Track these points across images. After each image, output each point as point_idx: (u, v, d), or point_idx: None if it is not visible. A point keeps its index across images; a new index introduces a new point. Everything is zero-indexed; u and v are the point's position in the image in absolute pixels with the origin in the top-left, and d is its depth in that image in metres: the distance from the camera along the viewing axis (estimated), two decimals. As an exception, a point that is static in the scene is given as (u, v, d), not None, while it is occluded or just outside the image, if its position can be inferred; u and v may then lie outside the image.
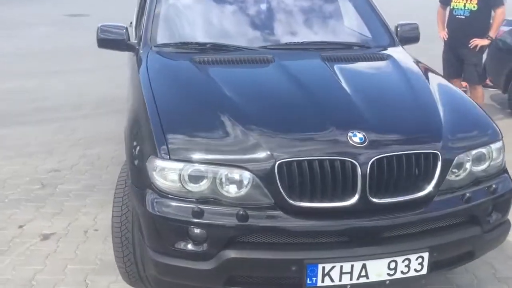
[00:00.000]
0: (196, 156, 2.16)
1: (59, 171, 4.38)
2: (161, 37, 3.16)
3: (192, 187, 2.15)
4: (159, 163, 2.18)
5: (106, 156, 4.69)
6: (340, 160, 2.10)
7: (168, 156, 2.16)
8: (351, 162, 2.10)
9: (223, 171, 2.12)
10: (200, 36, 3.22)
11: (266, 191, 2.09)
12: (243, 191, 2.11)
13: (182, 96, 2.54)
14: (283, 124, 2.28)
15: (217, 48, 3.08)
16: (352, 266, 2.08)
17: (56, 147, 4.93)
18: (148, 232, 2.23)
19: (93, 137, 5.19)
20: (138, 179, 2.29)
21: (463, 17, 5.34)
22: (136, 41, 3.29)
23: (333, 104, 2.40)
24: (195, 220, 2.11)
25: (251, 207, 2.10)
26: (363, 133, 2.17)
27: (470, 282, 2.84)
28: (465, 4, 5.33)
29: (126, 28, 3.26)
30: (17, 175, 4.26)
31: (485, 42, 5.30)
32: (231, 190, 2.12)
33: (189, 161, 2.15)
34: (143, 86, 2.65)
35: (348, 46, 3.20)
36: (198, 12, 3.34)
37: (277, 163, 2.08)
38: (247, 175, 2.10)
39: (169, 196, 2.17)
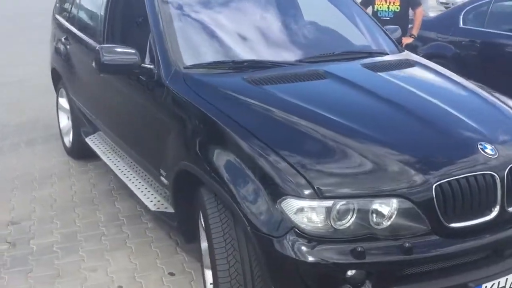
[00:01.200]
0: (344, 190, 1.94)
1: (18, 223, 3.62)
2: (188, 58, 2.76)
3: (339, 224, 1.93)
4: (301, 203, 1.91)
5: (64, 194, 4.03)
6: (483, 174, 2.07)
7: (313, 195, 1.91)
8: (491, 174, 2.08)
9: (373, 203, 1.94)
10: (230, 53, 2.88)
11: (423, 216, 1.96)
12: (396, 220, 1.95)
13: (279, 124, 2.27)
14: (416, 144, 2.16)
15: (254, 65, 2.80)
16: (506, 280, 2.07)
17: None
18: (292, 284, 1.95)
19: (29, 174, 4.41)
20: (265, 225, 1.98)
21: (388, 18, 5.69)
22: (149, 65, 2.82)
23: (440, 118, 2.34)
24: (357, 261, 1.88)
25: (406, 236, 1.96)
26: (489, 143, 2.17)
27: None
28: (388, 6, 5.71)
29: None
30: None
31: (410, 40, 5.72)
32: (384, 222, 1.95)
33: (338, 197, 1.92)
34: (220, 120, 2.32)
35: (369, 53, 3.17)
36: (218, 25, 2.98)
37: (435, 185, 1.97)
38: (400, 203, 1.94)
39: (319, 238, 1.92)
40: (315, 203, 1.92)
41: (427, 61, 3.19)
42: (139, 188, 3.23)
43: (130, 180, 3.36)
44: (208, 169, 2.25)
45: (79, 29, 4.08)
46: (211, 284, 2.59)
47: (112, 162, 3.69)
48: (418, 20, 5.76)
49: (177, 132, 2.58)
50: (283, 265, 1.95)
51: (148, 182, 3.27)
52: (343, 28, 3.33)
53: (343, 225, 1.93)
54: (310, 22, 3.30)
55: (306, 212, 1.92)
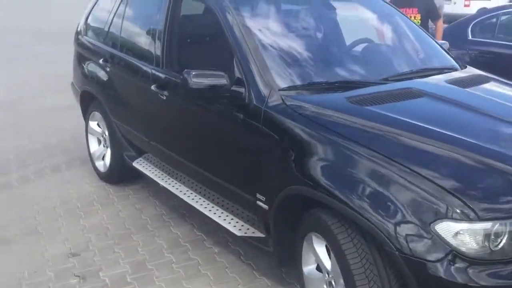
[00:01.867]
0: (501, 212, 1.96)
1: (78, 254, 3.47)
2: (281, 80, 2.76)
3: (494, 245, 1.94)
4: (461, 226, 1.92)
5: (115, 221, 3.90)
6: None
7: (473, 217, 1.92)
8: None
9: None
10: (317, 73, 2.89)
11: None
12: None
13: (406, 144, 2.28)
14: None
15: (345, 85, 2.81)
16: None
17: (35, 223, 3.90)
18: None
19: (69, 202, 4.24)
20: (417, 249, 1.97)
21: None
22: (239, 88, 2.78)
23: None
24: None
25: None
26: None
27: None
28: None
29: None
30: (32, 270, 3.26)
31: None
32: None
33: (496, 218, 1.94)
34: (362, 150, 2.25)
35: (441, 69, 3.22)
36: (296, 42, 2.98)
37: None
38: None
39: (477, 261, 1.92)
40: (476, 225, 1.92)
41: (493, 75, 3.27)
42: (214, 213, 3.17)
43: (200, 204, 3.29)
44: (336, 194, 2.22)
45: (125, 51, 3.97)
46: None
47: (172, 185, 3.60)
48: (440, 32, 5.91)
49: (280, 155, 2.54)
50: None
51: (223, 206, 3.22)
52: (412, 46, 3.38)
53: (497, 246, 1.94)
54: (390, 39, 3.36)
55: (465, 234, 1.92)
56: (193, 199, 3.38)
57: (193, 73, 2.76)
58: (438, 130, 2.35)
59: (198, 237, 3.65)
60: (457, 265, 1.92)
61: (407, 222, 2.00)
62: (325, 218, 2.31)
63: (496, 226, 1.93)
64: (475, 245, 1.93)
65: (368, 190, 2.14)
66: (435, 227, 1.95)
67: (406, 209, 2.01)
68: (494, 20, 6.23)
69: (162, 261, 3.37)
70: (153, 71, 3.55)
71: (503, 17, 6.16)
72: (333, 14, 3.49)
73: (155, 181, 3.79)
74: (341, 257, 2.21)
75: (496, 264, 1.94)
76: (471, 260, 1.93)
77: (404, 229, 1.99)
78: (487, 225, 1.92)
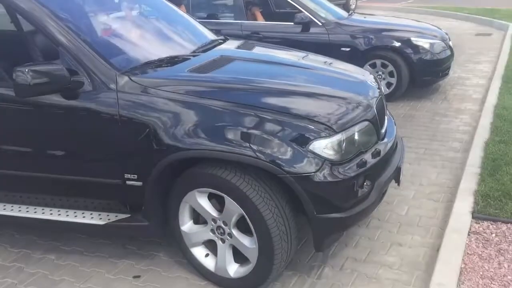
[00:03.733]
0: (342, 125, 2.70)
1: None
2: (120, 63, 2.93)
3: (342, 150, 2.68)
4: (326, 141, 2.62)
5: None
6: None
7: (332, 133, 2.65)
8: None
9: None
10: (144, 53, 3.09)
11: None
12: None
13: (270, 96, 2.86)
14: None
15: (171, 61, 3.17)
16: None
17: None
18: (330, 201, 2.63)
19: None
20: (304, 166, 2.54)
21: None
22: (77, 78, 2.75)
23: None
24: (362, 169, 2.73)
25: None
26: None
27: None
28: None
29: None
30: None
31: None
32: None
33: (341, 130, 2.67)
34: (226, 104, 2.74)
35: (217, 41, 3.84)
36: (119, 30, 3.04)
37: None
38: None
39: (338, 163, 2.64)
40: (334, 138, 2.62)
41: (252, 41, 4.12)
42: (66, 215, 3.05)
43: (41, 213, 3.08)
44: (224, 146, 2.59)
45: None
46: (206, 256, 2.94)
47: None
48: None
49: (149, 131, 2.70)
50: (324, 191, 2.59)
51: (62, 206, 3.11)
52: (186, 28, 3.87)
53: (343, 150, 2.70)
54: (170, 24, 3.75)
55: (329, 146, 2.61)
56: (26, 211, 3.11)
57: (29, 69, 2.60)
58: (268, 79, 3.00)
59: (17, 252, 3.35)
60: (330, 169, 2.60)
61: (290, 150, 2.57)
62: (214, 171, 2.66)
63: (342, 136, 2.70)
64: (334, 152, 2.65)
65: (250, 135, 2.60)
66: (310, 147, 2.59)
67: (286, 140, 2.59)
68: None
69: (2, 287, 3.02)
70: None
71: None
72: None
73: None
74: (239, 197, 2.62)
75: (346, 163, 2.72)
76: (335, 164, 2.65)
77: (289, 156, 2.56)
78: (339, 136, 2.67)
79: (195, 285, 2.97)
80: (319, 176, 2.58)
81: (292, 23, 6.66)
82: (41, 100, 2.83)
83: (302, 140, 2.60)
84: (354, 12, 8.19)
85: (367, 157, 2.78)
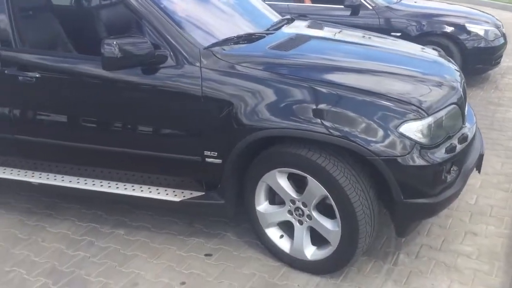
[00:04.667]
0: (432, 108, 2.62)
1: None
2: (202, 39, 2.91)
3: (431, 133, 2.57)
4: (417, 123, 2.54)
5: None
6: None
7: (424, 115, 2.56)
8: None
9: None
10: (223, 30, 3.09)
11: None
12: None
13: (359, 76, 2.81)
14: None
15: (248, 38, 3.15)
16: None
17: None
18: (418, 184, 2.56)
19: None
20: (394, 148, 2.48)
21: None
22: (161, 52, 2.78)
23: None
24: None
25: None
26: None
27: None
28: None
29: None
30: None
31: None
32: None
33: (432, 113, 2.58)
34: (314, 83, 2.70)
35: (286, 21, 3.77)
36: (198, 8, 3.02)
37: None
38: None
39: (428, 147, 2.55)
40: (425, 121, 2.54)
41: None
42: (141, 190, 3.05)
43: (116, 187, 3.09)
44: (313, 126, 2.53)
45: None
46: (281, 237, 2.91)
47: (55, 179, 3.21)
48: None
49: (234, 108, 2.66)
50: (413, 175, 2.52)
51: (135, 181, 3.10)
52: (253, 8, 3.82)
53: (431, 133, 2.60)
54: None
55: (420, 129, 2.53)
56: (100, 185, 3.13)
57: (117, 42, 2.58)
58: (352, 59, 2.95)
59: (86, 226, 3.37)
60: (419, 153, 2.53)
61: (380, 132, 2.50)
62: (298, 151, 2.61)
63: (433, 119, 2.62)
64: (424, 135, 2.58)
65: (338, 116, 2.54)
66: (400, 129, 2.52)
67: (376, 122, 2.52)
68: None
69: (76, 260, 3.04)
70: (4, 53, 3.03)
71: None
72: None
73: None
74: (324, 179, 2.56)
75: (434, 147, 2.64)
76: (425, 147, 2.58)
77: (379, 138, 2.50)
78: (429, 119, 2.59)
79: (268, 265, 2.94)
80: (409, 160, 2.51)
81: (340, 6, 6.55)
82: (123, 74, 2.82)
83: (393, 122, 2.53)
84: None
85: (455, 142, 2.70)
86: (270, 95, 2.65)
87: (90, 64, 2.92)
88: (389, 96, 2.58)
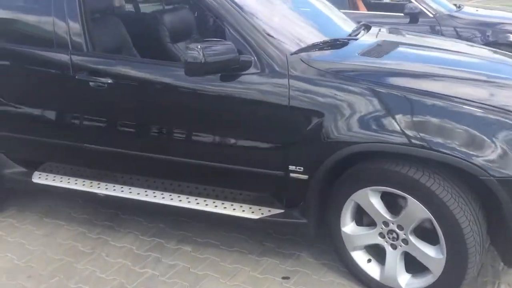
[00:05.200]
0: None
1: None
2: (289, 44, 2.73)
3: None
4: None
5: (37, 257, 3.00)
6: None
7: None
8: None
9: None
10: (307, 35, 2.87)
11: None
12: None
13: (465, 87, 2.56)
14: None
15: (332, 44, 2.94)
16: None
17: None
18: None
19: None
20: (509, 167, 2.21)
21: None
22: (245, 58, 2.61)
23: None
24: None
25: None
26: None
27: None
28: None
29: None
30: None
31: None
32: None
33: None
34: (421, 95, 2.46)
35: (365, 28, 3.51)
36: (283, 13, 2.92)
37: None
38: None
39: None
40: None
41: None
42: (215, 206, 2.83)
43: (188, 201, 2.88)
44: (417, 141, 2.26)
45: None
46: (368, 262, 2.65)
47: (122, 191, 3.03)
48: None
49: (324, 120, 2.43)
50: None
51: (208, 195, 2.89)
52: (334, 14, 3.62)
53: None
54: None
55: None
56: (170, 199, 2.93)
57: (202, 46, 2.39)
58: (451, 67, 2.71)
59: (150, 241, 3.18)
60: None
61: (494, 149, 2.23)
62: (397, 168, 2.35)
63: None
64: None
65: (444, 130, 2.28)
66: (517, 144, 2.25)
67: (489, 137, 2.25)
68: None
69: (144, 278, 2.84)
70: (75, 57, 2.88)
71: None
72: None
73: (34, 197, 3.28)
74: (428, 200, 2.30)
75: None
76: None
77: (494, 156, 2.22)
78: None
79: (353, 292, 2.69)
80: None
81: (399, 14, 6.28)
82: (202, 81, 2.62)
83: (510, 138, 2.26)
84: (463, 5, 7.70)
85: None
86: (366, 106, 2.40)
87: (167, 70, 2.74)
88: (504, 109, 2.31)
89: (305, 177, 2.57)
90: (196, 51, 2.40)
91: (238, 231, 3.22)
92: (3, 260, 3.03)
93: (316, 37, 2.92)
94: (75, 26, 2.90)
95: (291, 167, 2.58)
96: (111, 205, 3.49)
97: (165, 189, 3.00)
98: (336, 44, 2.89)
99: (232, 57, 2.48)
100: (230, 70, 2.54)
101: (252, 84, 2.57)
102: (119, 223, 3.40)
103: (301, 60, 2.56)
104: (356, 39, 3.05)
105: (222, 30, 2.89)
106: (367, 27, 3.48)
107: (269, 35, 2.62)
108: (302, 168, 2.56)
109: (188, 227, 3.29)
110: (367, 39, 3.12)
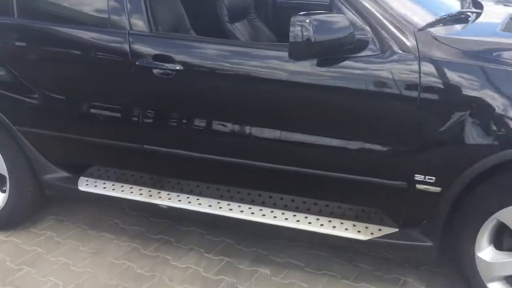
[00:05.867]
0: None
1: None
2: (416, 18, 2.17)
3: None
4: None
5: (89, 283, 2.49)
6: None
7: None
8: None
9: None
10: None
11: None
12: None
13: None
14: None
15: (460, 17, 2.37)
16: None
17: None
18: None
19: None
20: None
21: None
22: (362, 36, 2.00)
23: None
24: None
25: None
26: None
27: None
28: None
29: None
30: None
31: None
32: None
33: None
34: None
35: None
36: None
37: None
38: None
39: None
40: None
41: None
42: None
43: (285, 218, 2.34)
44: None
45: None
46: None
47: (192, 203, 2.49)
48: None
49: (470, 116, 1.88)
50: None
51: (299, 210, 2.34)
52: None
53: None
54: None
55: None
56: (250, 212, 2.38)
57: (312, 19, 1.83)
58: None
59: (219, 261, 2.64)
60: None
61: None
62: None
63: None
64: None
65: None
66: None
67: None
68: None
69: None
70: (134, 39, 2.33)
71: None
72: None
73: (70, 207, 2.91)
74: None
75: None
76: None
77: None
78: None
79: (487, 332, 2.13)
80: None
81: None
82: (304, 66, 2.06)
83: None
84: None
85: None
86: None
87: (258, 52, 2.18)
88: None
89: (437, 189, 2.00)
90: (305, 27, 1.83)
91: (320, 248, 2.68)
92: (46, 286, 2.52)
93: (437, 10, 2.34)
94: (135, 1, 2.36)
95: (418, 177, 2.01)
96: (167, 215, 2.97)
97: (240, 200, 2.46)
98: (462, 18, 2.31)
99: (347, 35, 1.91)
100: (342, 51, 1.98)
101: (369, 70, 2.00)
102: (178, 236, 2.87)
103: (434, 37, 1.99)
104: (480, 12, 2.46)
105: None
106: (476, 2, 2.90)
107: (387, 5, 2.04)
108: (434, 178, 2.00)
109: (261, 243, 2.76)
110: (494, 11, 2.52)
